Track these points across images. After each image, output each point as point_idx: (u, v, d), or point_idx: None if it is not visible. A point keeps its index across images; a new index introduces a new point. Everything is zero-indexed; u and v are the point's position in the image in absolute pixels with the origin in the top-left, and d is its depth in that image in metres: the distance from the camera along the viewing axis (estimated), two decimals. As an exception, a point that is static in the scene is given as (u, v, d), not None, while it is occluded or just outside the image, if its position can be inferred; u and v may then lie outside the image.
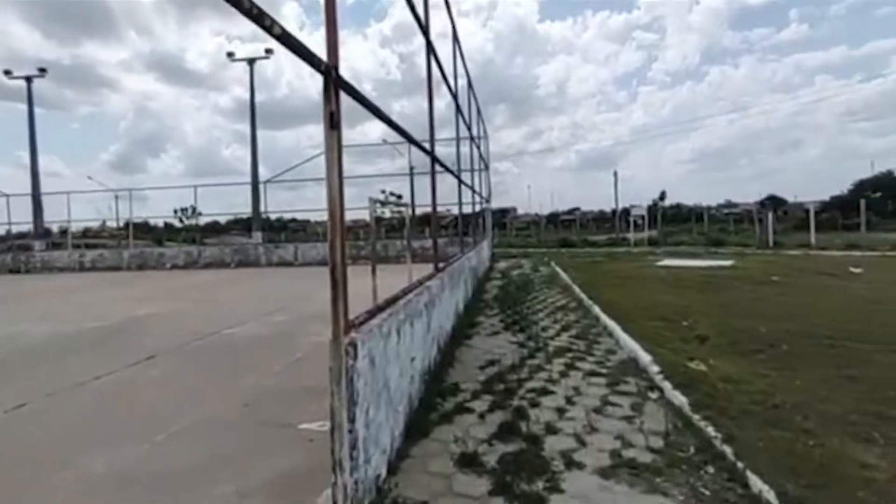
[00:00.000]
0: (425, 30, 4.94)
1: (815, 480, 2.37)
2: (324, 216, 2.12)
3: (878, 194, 35.50)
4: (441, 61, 5.82)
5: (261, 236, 21.19)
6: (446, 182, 7.73)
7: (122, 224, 23.24)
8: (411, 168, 19.14)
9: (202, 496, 2.49)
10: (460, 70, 8.24)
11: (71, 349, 5.84)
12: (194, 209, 23.62)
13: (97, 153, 77.26)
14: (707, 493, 2.38)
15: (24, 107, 23.40)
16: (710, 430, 2.90)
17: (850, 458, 2.60)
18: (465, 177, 9.47)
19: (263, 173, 21.73)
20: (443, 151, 6.07)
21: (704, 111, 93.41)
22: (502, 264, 15.30)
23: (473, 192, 11.54)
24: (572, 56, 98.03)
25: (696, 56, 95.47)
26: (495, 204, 26.28)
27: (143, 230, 29.37)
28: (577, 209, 49.07)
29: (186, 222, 29.31)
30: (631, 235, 23.37)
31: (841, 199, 37.75)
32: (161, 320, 7.59)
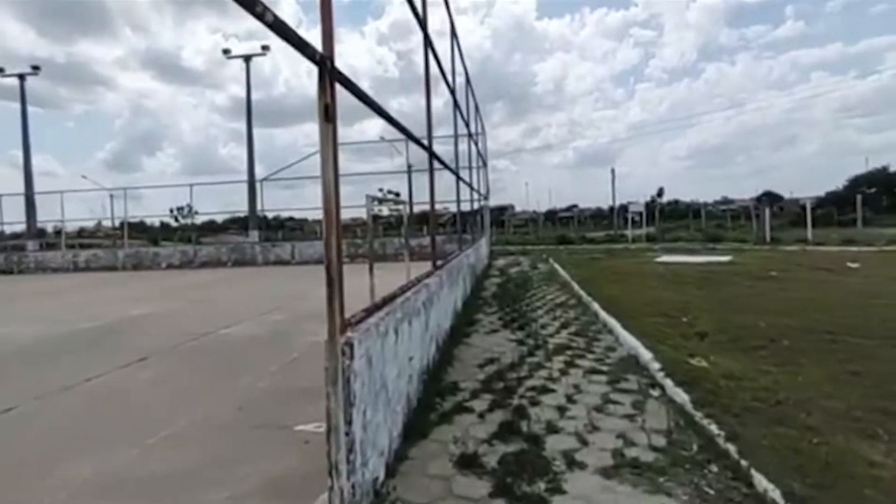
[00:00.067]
0: (423, 24, 4.87)
1: (822, 479, 2.33)
2: (321, 214, 2.06)
3: (873, 190, 35.70)
4: (439, 57, 5.75)
5: (258, 235, 21.06)
6: (444, 179, 7.67)
7: (117, 224, 23.09)
8: (409, 166, 19.08)
9: (193, 502, 2.43)
10: (458, 67, 8.17)
11: (62, 351, 5.75)
12: (190, 208, 23.50)
13: (92, 152, 76.69)
14: (711, 492, 2.33)
15: (17, 105, 23.19)
16: (713, 428, 2.86)
17: (857, 455, 2.55)
18: (464, 174, 9.40)
19: (260, 172, 21.71)
20: (441, 149, 6.01)
21: (701, 108, 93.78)
22: (500, 262, 15.25)
23: (472, 189, 11.48)
24: (570, 53, 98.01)
25: (693, 53, 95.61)
26: (493, 202, 26.27)
27: (138, 229, 29.18)
28: (575, 206, 49.07)
29: (182, 221, 29.15)
30: (629, 232, 23.38)
31: (836, 194, 37.93)
32: (155, 320, 7.50)
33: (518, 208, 49.12)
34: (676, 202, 46.84)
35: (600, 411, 3.28)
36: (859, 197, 23.94)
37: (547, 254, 17.15)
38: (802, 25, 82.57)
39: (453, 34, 7.79)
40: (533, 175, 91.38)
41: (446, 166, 6.58)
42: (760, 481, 2.31)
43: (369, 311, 2.61)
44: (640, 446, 2.77)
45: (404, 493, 2.38)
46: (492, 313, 6.88)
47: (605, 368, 4.16)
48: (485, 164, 17.15)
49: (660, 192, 44.16)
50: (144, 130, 75.19)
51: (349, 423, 2.01)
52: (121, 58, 61.11)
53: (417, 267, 5.35)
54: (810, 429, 2.84)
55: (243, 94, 21.97)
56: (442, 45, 6.45)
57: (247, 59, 21.86)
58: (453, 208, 10.40)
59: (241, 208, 22.16)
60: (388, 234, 22.05)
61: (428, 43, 5.02)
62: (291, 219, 34.20)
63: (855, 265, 10.50)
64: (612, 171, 34.54)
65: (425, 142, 4.91)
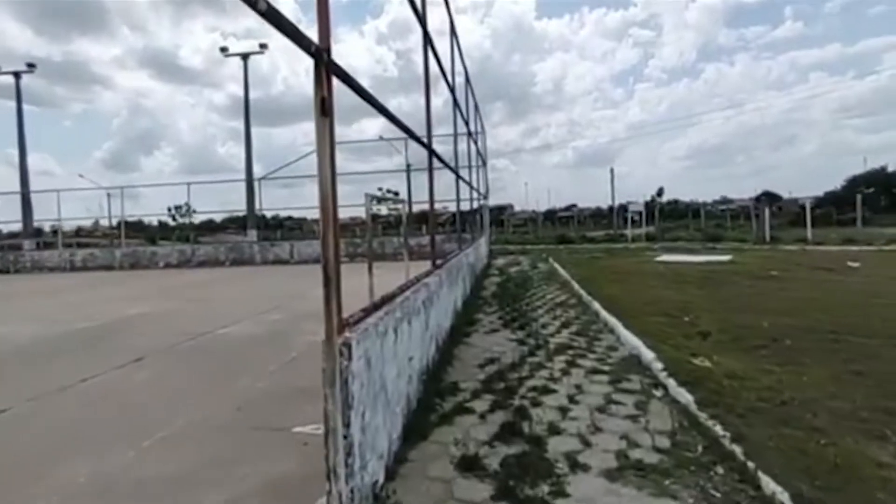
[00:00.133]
0: (423, 20, 4.81)
1: (831, 481, 2.28)
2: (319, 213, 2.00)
3: (871, 190, 35.73)
4: (439, 55, 5.70)
5: (256, 234, 20.97)
6: (444, 179, 7.62)
7: (115, 223, 22.97)
8: (408, 165, 19.02)
9: (190, 505, 2.37)
10: (458, 66, 8.11)
11: (58, 351, 5.69)
12: (188, 207, 23.40)
13: (90, 151, 76.63)
14: (718, 495, 2.29)
15: (14, 104, 23.04)
16: (718, 429, 2.81)
17: (865, 456, 2.51)
18: (463, 173, 9.35)
19: (259, 171, 21.61)
20: (440, 148, 5.95)
21: (700, 108, 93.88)
22: (500, 261, 15.20)
23: (471, 188, 11.43)
24: (569, 53, 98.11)
25: (693, 53, 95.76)
26: (492, 201, 26.20)
27: (136, 229, 29.09)
28: (574, 206, 48.98)
29: (180, 220, 29.05)
30: (629, 231, 23.35)
31: (835, 194, 37.97)
32: (152, 320, 7.44)
33: (517, 208, 49.10)
34: (676, 202, 46.83)
35: (603, 412, 3.23)
36: (859, 196, 23.95)
37: (546, 253, 17.11)
38: (801, 26, 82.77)
39: (453, 32, 7.73)
40: (532, 175, 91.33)
41: (446, 165, 6.53)
42: (768, 483, 2.27)
43: (368, 311, 2.56)
44: (644, 448, 2.72)
45: (404, 496, 2.34)
46: (492, 313, 6.83)
47: (606, 368, 4.12)
48: (484, 164, 17.10)
49: (660, 192, 44.19)
50: (142, 129, 75.13)
51: (347, 425, 1.96)
52: (118, 57, 61.05)
53: (417, 266, 5.30)
54: (817, 430, 2.79)
55: (241, 92, 21.89)
56: (442, 46, 6.40)
57: (245, 57, 21.74)
58: (452, 207, 10.35)
59: (240, 207, 22.04)
60: (388, 234, 21.99)
61: (427, 39, 4.96)
62: (290, 218, 34.12)
63: (855, 264, 10.48)
64: (612, 170, 34.48)
65: (425, 140, 4.86)
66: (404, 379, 3.05)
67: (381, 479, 2.40)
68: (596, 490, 2.35)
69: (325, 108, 1.88)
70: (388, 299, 3.00)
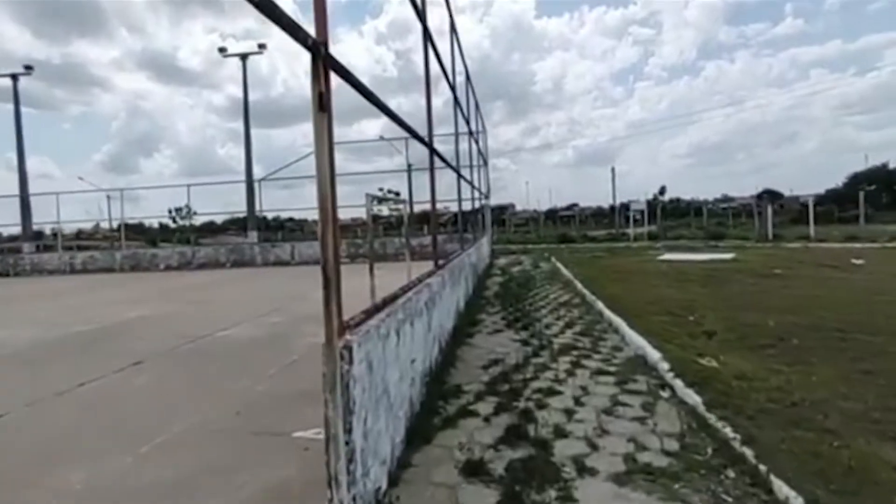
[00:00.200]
0: (423, 18, 4.75)
1: (846, 485, 2.22)
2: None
3: (873, 187, 35.60)
4: (439, 53, 5.64)
5: (256, 236, 20.92)
6: (445, 179, 7.56)
7: (115, 225, 22.93)
8: (409, 165, 18.96)
9: (188, 513, 2.32)
10: (458, 65, 8.05)
11: (56, 355, 5.63)
12: (189, 209, 23.35)
13: (89, 153, 76.62)
14: (729, 499, 2.23)
15: (12, 107, 23.01)
16: (728, 431, 2.75)
17: (880, 459, 2.44)
18: (465, 172, 9.29)
19: (259, 172, 21.52)
20: (441, 148, 5.88)
21: (701, 106, 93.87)
22: (502, 261, 15.14)
23: (473, 187, 11.36)
24: (569, 52, 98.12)
25: (693, 51, 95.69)
26: (493, 201, 26.12)
27: (136, 231, 29.04)
28: (576, 205, 48.97)
29: (180, 222, 28.98)
30: (630, 230, 23.27)
31: (836, 191, 37.89)
32: (152, 323, 7.38)
33: (518, 207, 49.06)
34: (678, 200, 46.74)
35: (609, 414, 3.17)
36: (862, 194, 23.85)
37: (548, 252, 17.03)
38: (801, 23, 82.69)
39: (453, 30, 7.67)
40: (533, 174, 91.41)
41: (447, 164, 6.47)
42: (781, 487, 2.21)
43: (369, 313, 2.50)
44: (653, 451, 2.66)
45: (408, 503, 2.28)
46: (495, 313, 6.77)
47: (612, 369, 4.06)
48: (485, 163, 17.04)
49: (662, 191, 44.06)
50: (141, 132, 75.14)
51: (349, 431, 1.90)
52: (117, 59, 61.07)
53: (418, 266, 5.24)
54: (829, 431, 2.73)
55: (241, 94, 21.82)
56: (442, 46, 6.34)
57: (243, 57, 21.69)
58: (454, 207, 10.30)
59: (240, 209, 21.98)
60: (389, 234, 21.93)
61: (428, 36, 4.90)
62: (291, 219, 34.09)
63: (859, 261, 10.41)
64: (613, 169, 34.55)
65: (426, 139, 4.79)
66: (407, 382, 2.99)
67: (384, 486, 2.34)
68: (604, 495, 2.29)
69: (322, 104, 1.83)
70: (389, 300, 2.94)
